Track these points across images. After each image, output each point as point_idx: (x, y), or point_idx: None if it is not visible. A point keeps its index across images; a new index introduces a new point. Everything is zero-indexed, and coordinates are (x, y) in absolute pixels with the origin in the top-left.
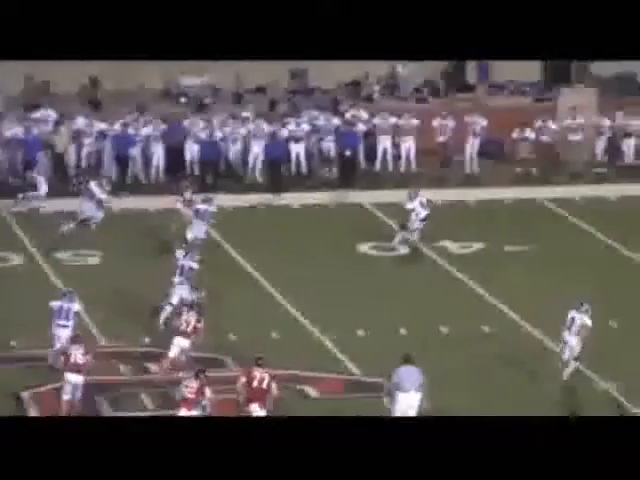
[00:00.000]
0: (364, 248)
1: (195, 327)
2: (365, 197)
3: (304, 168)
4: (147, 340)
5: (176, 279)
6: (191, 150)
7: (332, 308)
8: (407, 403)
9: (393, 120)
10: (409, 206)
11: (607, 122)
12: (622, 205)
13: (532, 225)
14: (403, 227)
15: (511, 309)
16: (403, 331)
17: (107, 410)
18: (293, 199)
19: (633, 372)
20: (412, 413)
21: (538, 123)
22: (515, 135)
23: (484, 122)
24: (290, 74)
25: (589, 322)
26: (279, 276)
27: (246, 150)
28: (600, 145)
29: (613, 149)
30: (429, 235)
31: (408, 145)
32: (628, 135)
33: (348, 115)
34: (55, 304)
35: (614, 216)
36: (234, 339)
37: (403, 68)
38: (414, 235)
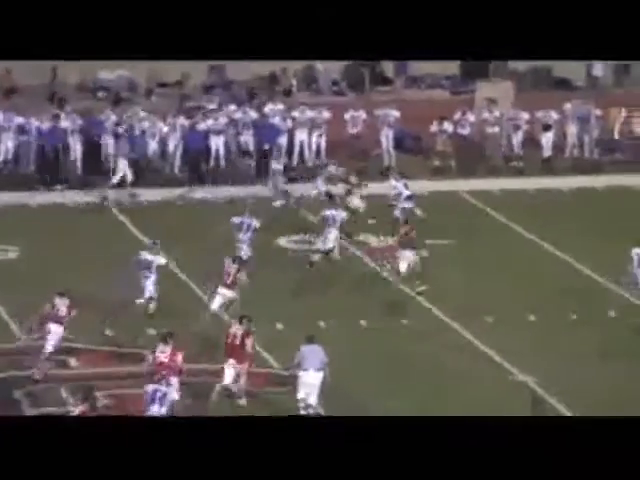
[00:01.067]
0: (283, 242)
1: (235, 278)
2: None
3: (223, 162)
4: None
5: (241, 236)
6: (108, 144)
7: (252, 302)
8: (308, 382)
9: (310, 114)
10: (394, 184)
11: (524, 115)
12: (540, 198)
13: (451, 218)
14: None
15: (430, 302)
16: (322, 324)
17: (26, 405)
18: (212, 192)
19: (551, 365)
20: (315, 392)
21: (456, 116)
22: (433, 128)
23: (397, 114)
24: (208, 67)
25: None
26: (200, 270)
27: (165, 144)
28: (518, 138)
29: (531, 142)
30: (349, 229)
31: (319, 138)
32: (546, 128)
33: (266, 109)
34: (139, 256)
35: (532, 209)
36: (153, 333)
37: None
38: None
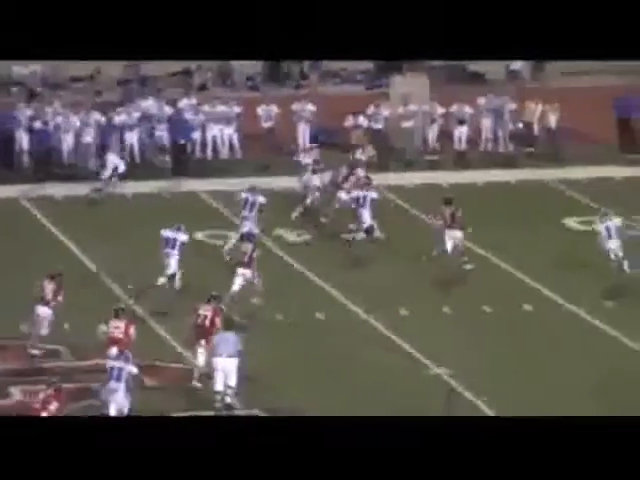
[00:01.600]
0: (199, 236)
1: (251, 257)
2: (199, 185)
3: (137, 157)
4: None
5: (245, 213)
6: (22, 140)
7: (170, 299)
8: (222, 367)
9: (222, 108)
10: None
11: (439, 109)
12: (454, 192)
13: None
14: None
15: (344, 296)
16: (236, 319)
17: None
18: (127, 188)
19: (465, 358)
20: (232, 377)
21: (370, 111)
22: (348, 123)
23: (313, 108)
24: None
25: None
26: (115, 266)
27: (80, 139)
28: (432, 132)
29: (446, 136)
30: (264, 223)
31: (231, 133)
32: (460, 122)
33: (181, 104)
34: (164, 233)
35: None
36: (68, 329)
37: None
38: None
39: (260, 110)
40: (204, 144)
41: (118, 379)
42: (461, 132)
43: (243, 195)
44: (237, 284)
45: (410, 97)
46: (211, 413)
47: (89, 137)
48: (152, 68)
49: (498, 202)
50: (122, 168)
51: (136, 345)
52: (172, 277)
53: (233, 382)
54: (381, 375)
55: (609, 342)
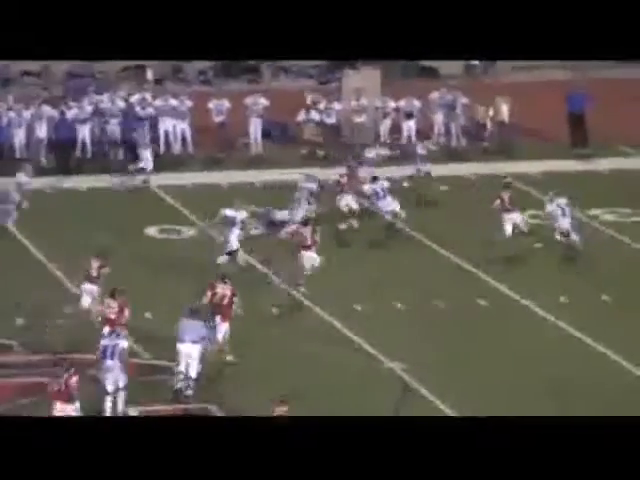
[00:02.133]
0: (152, 231)
1: (314, 239)
2: (151, 180)
3: (89, 151)
4: None
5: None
6: None
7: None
8: (185, 353)
9: (173, 103)
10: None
11: (392, 104)
12: (407, 185)
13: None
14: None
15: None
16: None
17: None
18: (80, 182)
19: (417, 351)
20: (194, 364)
21: (322, 105)
22: (300, 117)
23: (265, 102)
24: None
25: None
26: (67, 260)
27: (31, 134)
28: (385, 126)
29: (398, 130)
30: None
31: (183, 127)
32: (408, 116)
33: (133, 98)
34: (225, 212)
35: (401, 195)
36: (21, 323)
37: None
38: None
39: (212, 104)
40: (156, 138)
41: (112, 356)
42: (409, 126)
43: (303, 184)
44: (306, 264)
45: (362, 91)
46: (168, 407)
47: (40, 131)
48: (105, 63)
49: (449, 196)
50: (150, 166)
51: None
52: (232, 254)
53: (194, 370)
54: (335, 369)
55: (565, 338)
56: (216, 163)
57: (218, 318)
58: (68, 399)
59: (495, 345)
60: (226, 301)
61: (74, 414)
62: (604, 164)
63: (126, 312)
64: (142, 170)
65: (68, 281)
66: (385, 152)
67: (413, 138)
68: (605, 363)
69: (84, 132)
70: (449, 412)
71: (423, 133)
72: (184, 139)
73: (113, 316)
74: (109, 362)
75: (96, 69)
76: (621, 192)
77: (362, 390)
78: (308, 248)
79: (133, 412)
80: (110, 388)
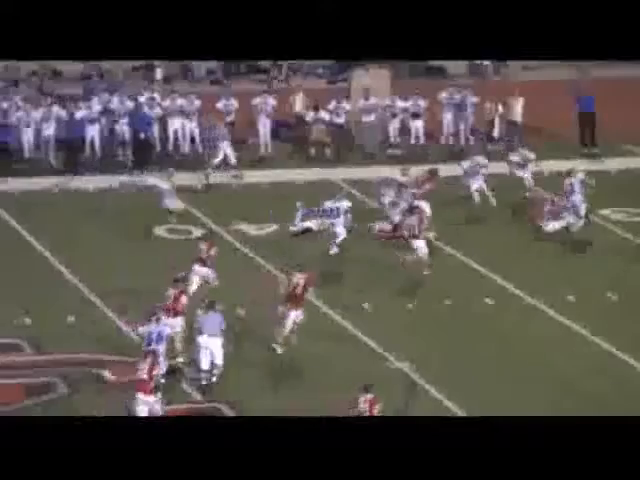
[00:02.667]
0: (160, 231)
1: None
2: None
3: (98, 151)
4: None
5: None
6: None
7: (130, 293)
8: (205, 346)
9: (181, 102)
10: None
11: (400, 103)
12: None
13: None
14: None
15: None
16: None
17: None
18: (88, 182)
19: (424, 351)
20: (217, 356)
21: (331, 105)
22: (309, 117)
23: (274, 102)
24: None
25: None
26: (75, 260)
27: (40, 133)
28: (393, 126)
29: (408, 130)
30: (225, 218)
31: (192, 126)
32: (415, 116)
33: (142, 98)
34: (326, 205)
35: None
36: (29, 323)
37: None
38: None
39: (220, 104)
40: (165, 138)
41: (158, 342)
42: (417, 126)
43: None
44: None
45: (371, 91)
46: (179, 406)
47: (49, 131)
48: (114, 62)
49: (458, 196)
50: (233, 160)
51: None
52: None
53: (219, 360)
54: (345, 368)
55: (572, 337)
56: (227, 163)
57: (288, 305)
58: (151, 390)
59: (501, 344)
60: (299, 290)
61: (156, 406)
62: (612, 164)
63: (183, 299)
64: (227, 165)
65: (77, 281)
66: (395, 152)
67: (421, 138)
68: (612, 361)
69: (93, 132)
70: (457, 412)
71: (431, 133)
72: (193, 139)
73: (171, 303)
74: (152, 346)
75: (105, 69)
76: (629, 191)
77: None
78: (416, 237)
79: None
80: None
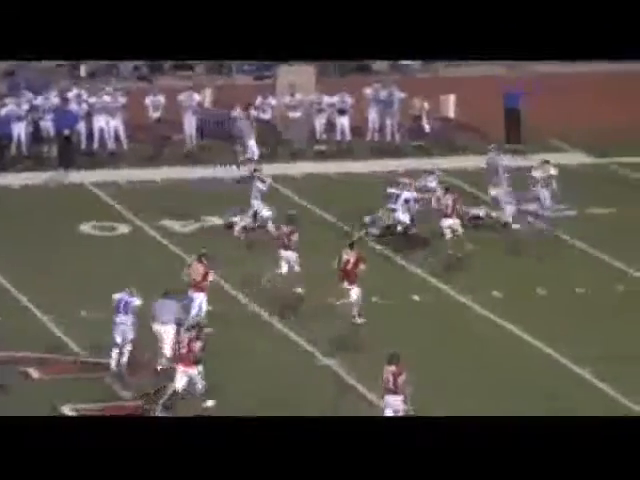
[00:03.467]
0: (86, 228)
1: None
2: (85, 176)
3: (25, 148)
4: None
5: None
6: None
7: (55, 289)
8: (157, 333)
9: (107, 99)
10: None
11: (326, 100)
12: (342, 182)
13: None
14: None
15: (236, 289)
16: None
17: None
18: (14, 179)
19: (351, 348)
20: (166, 345)
21: (257, 101)
22: (235, 113)
23: (198, 98)
24: None
25: None
26: (0, 258)
27: None
28: (320, 122)
29: (333, 127)
30: (150, 214)
31: (117, 124)
32: (341, 112)
33: (70, 95)
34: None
35: (334, 193)
36: None
37: None
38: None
39: (148, 100)
40: (91, 135)
41: (125, 311)
42: (343, 122)
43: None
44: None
45: (297, 87)
46: (100, 405)
47: None
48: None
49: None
50: (257, 154)
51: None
52: (408, 227)
53: (167, 351)
54: (272, 366)
55: (502, 334)
56: (151, 160)
57: (345, 283)
58: (192, 361)
59: (429, 341)
60: (350, 266)
61: (198, 377)
62: (537, 160)
63: (210, 276)
64: (249, 160)
65: (2, 279)
66: (321, 148)
67: (347, 134)
68: (541, 358)
69: (19, 129)
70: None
71: (357, 129)
72: (118, 136)
73: (198, 278)
74: (122, 317)
75: (31, 66)
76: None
77: (301, 389)
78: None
79: (67, 411)
80: (119, 340)
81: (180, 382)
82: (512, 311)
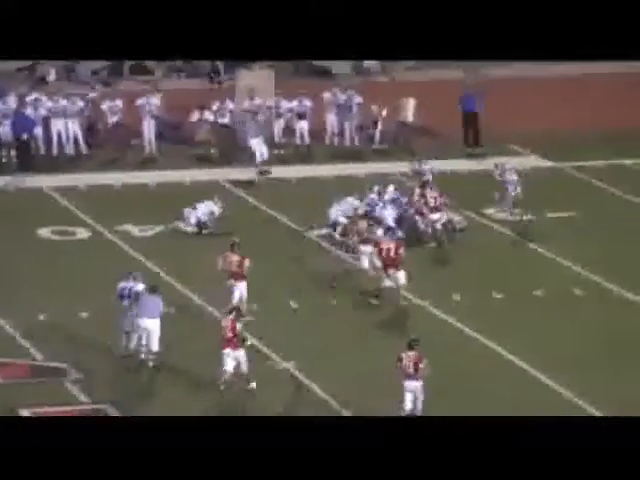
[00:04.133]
0: (44, 232)
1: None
2: (44, 181)
3: None
4: None
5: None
6: None
7: (13, 294)
8: (143, 328)
9: (64, 103)
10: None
11: (285, 104)
12: (300, 186)
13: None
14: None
15: (194, 292)
16: (84, 315)
17: None
18: None
19: (311, 351)
20: (154, 339)
21: (215, 106)
22: (193, 117)
23: (157, 101)
24: None
25: None
26: None
27: None
28: (278, 126)
29: (292, 131)
30: (109, 219)
31: (75, 128)
32: (300, 117)
33: (28, 99)
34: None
35: (294, 197)
36: None
37: None
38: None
39: (105, 105)
40: (49, 139)
41: (129, 298)
42: (302, 126)
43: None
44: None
45: (256, 91)
46: (59, 409)
47: None
48: None
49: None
50: (266, 155)
51: None
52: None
53: (155, 345)
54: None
55: (460, 337)
56: (110, 164)
57: (391, 270)
58: (237, 345)
59: (387, 339)
60: (392, 253)
61: (244, 358)
62: (496, 162)
63: (246, 263)
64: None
65: None
66: (279, 152)
67: (306, 138)
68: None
69: None
70: (345, 412)
71: (316, 133)
72: (76, 140)
73: (234, 268)
74: (129, 303)
75: None
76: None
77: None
78: (365, 242)
79: (25, 413)
80: (127, 327)
81: (230, 364)
82: (471, 314)
